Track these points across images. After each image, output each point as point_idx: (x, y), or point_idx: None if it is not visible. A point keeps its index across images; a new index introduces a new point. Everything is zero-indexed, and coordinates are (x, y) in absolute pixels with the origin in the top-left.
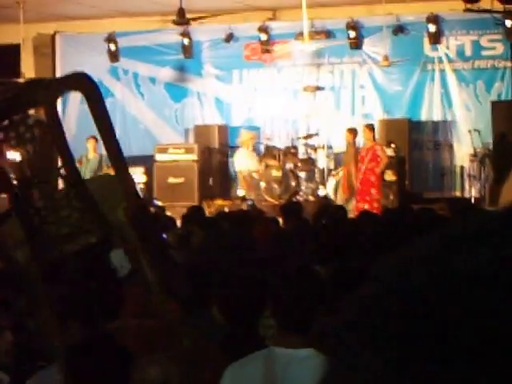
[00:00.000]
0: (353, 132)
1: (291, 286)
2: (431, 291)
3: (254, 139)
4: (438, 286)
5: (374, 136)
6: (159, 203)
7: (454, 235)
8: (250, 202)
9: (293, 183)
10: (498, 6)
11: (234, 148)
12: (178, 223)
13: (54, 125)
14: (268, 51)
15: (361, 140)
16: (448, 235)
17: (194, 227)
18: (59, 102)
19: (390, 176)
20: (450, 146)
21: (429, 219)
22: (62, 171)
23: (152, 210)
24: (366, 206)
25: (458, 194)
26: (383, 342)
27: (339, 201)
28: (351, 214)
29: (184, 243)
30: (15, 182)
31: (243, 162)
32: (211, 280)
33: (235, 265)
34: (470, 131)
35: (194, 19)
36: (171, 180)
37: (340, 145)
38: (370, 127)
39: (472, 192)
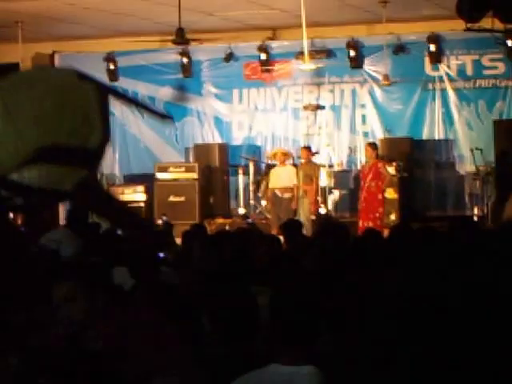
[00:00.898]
0: (372, 146)
1: (291, 301)
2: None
3: (286, 155)
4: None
5: (376, 154)
6: (167, 220)
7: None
8: (249, 221)
9: (293, 201)
10: (499, 25)
11: (234, 166)
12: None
13: None
14: (268, 70)
15: (363, 158)
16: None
17: (195, 245)
18: None
19: (391, 194)
20: (452, 165)
21: (429, 237)
22: None
23: (160, 225)
24: (370, 224)
25: (460, 212)
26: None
27: None
28: None
29: (184, 261)
30: None
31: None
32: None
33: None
34: (471, 150)
35: (194, 40)
36: (172, 198)
37: (341, 163)
38: (373, 146)
39: (474, 210)
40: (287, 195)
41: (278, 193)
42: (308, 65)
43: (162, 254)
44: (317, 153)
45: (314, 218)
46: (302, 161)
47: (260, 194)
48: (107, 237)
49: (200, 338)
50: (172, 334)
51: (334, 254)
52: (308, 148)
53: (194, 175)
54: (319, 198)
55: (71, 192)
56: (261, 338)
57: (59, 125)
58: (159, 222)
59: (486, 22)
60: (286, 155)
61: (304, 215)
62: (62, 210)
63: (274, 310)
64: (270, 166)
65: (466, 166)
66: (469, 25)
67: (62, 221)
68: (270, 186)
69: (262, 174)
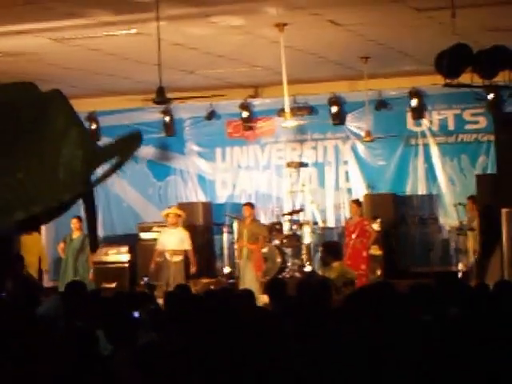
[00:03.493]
0: (356, 203)
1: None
2: None
3: (179, 217)
4: None
5: (361, 211)
6: (149, 281)
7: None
8: (231, 281)
9: (278, 259)
10: (478, 81)
11: (218, 225)
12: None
13: None
14: (250, 128)
15: (347, 214)
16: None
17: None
18: None
19: (375, 250)
20: (436, 220)
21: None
22: None
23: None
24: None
25: (445, 268)
26: None
27: None
28: None
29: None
30: None
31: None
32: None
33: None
34: (455, 205)
35: (175, 99)
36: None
37: (326, 220)
38: (357, 202)
39: (459, 266)
40: (177, 258)
41: (168, 256)
42: (290, 122)
43: (136, 314)
44: (301, 210)
45: (262, 280)
46: (246, 219)
47: None
48: (93, 298)
49: None
50: None
51: (314, 314)
52: (251, 205)
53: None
54: (304, 257)
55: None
56: None
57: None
58: (141, 283)
59: (466, 78)
60: (179, 216)
61: (249, 277)
62: None
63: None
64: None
65: (450, 221)
66: (448, 80)
67: None
68: (159, 247)
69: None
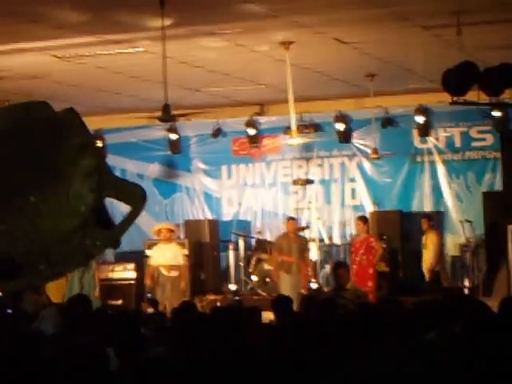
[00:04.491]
0: (363, 220)
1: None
2: None
3: (172, 232)
4: None
5: (368, 228)
6: (152, 297)
7: None
8: (236, 298)
9: None
10: (485, 98)
11: (224, 242)
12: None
13: None
14: (256, 146)
15: (353, 231)
16: None
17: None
18: None
19: (382, 267)
20: (442, 237)
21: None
22: None
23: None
24: None
25: (451, 284)
26: None
27: None
28: None
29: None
30: None
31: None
32: None
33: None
34: (461, 222)
35: (181, 115)
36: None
37: (332, 237)
38: (364, 219)
39: (465, 282)
40: (174, 273)
41: (164, 271)
42: (296, 140)
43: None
44: (307, 227)
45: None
46: (290, 234)
47: (250, 270)
48: (98, 316)
49: None
50: None
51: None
52: (294, 219)
53: (185, 251)
54: (310, 274)
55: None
56: None
57: None
58: (145, 300)
59: (472, 95)
60: (172, 232)
61: (294, 290)
62: None
63: None
64: (259, 242)
65: (457, 238)
66: (455, 98)
67: None
68: (153, 263)
69: (252, 249)
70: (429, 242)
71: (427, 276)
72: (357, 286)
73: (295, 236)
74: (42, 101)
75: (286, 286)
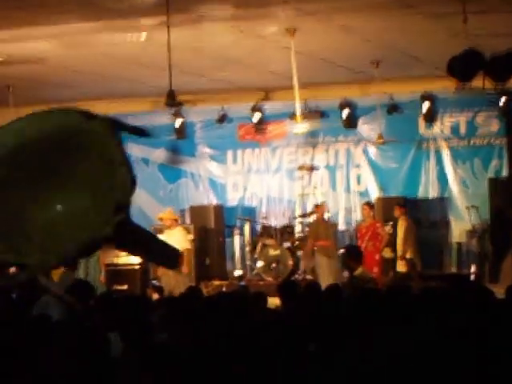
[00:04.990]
0: (369, 205)
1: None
2: None
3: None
4: None
5: (373, 214)
6: (158, 284)
7: None
8: (242, 283)
9: (290, 262)
10: (490, 85)
11: (229, 227)
12: None
13: None
14: (262, 132)
15: (358, 217)
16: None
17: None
18: None
19: (388, 253)
20: (447, 223)
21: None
22: None
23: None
24: None
25: (457, 270)
26: None
27: None
28: None
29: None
30: None
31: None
32: None
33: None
34: (467, 208)
35: (186, 101)
36: None
37: (337, 223)
38: (370, 205)
39: (472, 268)
40: None
41: None
42: (302, 126)
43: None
44: (312, 213)
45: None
46: (321, 218)
47: (256, 255)
48: (102, 301)
49: None
50: None
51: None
52: (323, 204)
53: (190, 237)
54: None
55: (111, 236)
56: None
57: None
58: (150, 286)
59: (478, 82)
60: (175, 220)
61: (336, 274)
62: None
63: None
64: (265, 227)
65: (463, 224)
66: (460, 84)
67: None
68: None
69: (258, 234)
70: (399, 228)
71: (399, 264)
72: (366, 270)
73: (328, 221)
74: (72, 108)
75: (327, 270)
